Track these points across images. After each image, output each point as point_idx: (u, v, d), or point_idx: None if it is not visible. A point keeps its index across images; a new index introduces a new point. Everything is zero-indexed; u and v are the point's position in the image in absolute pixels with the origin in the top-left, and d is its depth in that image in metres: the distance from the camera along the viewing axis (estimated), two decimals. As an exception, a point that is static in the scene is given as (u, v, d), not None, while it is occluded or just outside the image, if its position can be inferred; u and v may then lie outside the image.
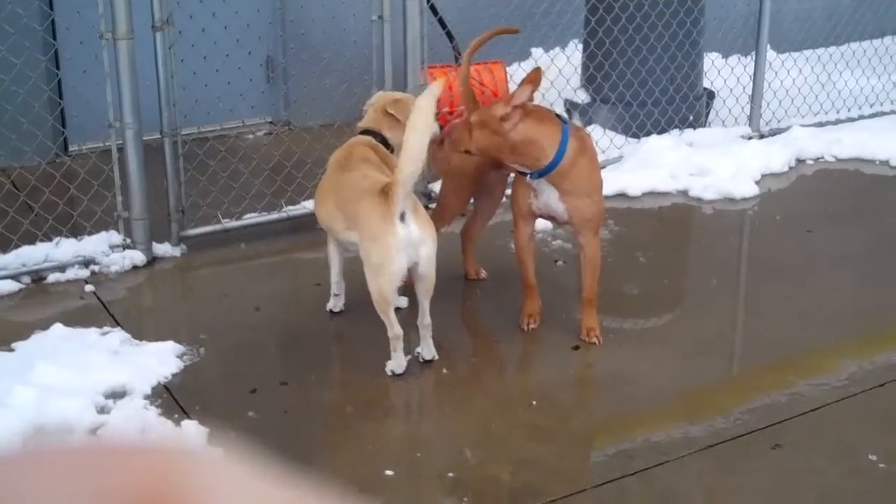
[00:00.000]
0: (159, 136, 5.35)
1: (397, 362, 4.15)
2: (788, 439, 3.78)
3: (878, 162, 7.02)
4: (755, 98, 7.34)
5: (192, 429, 3.73)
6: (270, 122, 7.41)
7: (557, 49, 7.87)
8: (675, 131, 7.08)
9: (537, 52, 7.81)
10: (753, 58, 7.38)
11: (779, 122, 7.50)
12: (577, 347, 4.44)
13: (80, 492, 0.44)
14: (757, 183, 6.51)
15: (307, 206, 5.66)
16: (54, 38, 5.69)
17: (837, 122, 7.74)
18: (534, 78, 4.09)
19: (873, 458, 3.71)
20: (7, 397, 3.81)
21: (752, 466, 3.64)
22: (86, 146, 6.43)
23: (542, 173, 4.17)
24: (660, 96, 7.09)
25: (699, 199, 6.30)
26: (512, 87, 7.13)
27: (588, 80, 7.33)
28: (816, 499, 3.51)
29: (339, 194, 4.29)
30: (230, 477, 0.47)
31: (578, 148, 4.17)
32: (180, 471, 0.46)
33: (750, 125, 7.36)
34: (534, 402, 4.05)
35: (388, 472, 3.60)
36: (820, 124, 7.59)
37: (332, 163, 4.48)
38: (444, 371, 4.27)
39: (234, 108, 6.79)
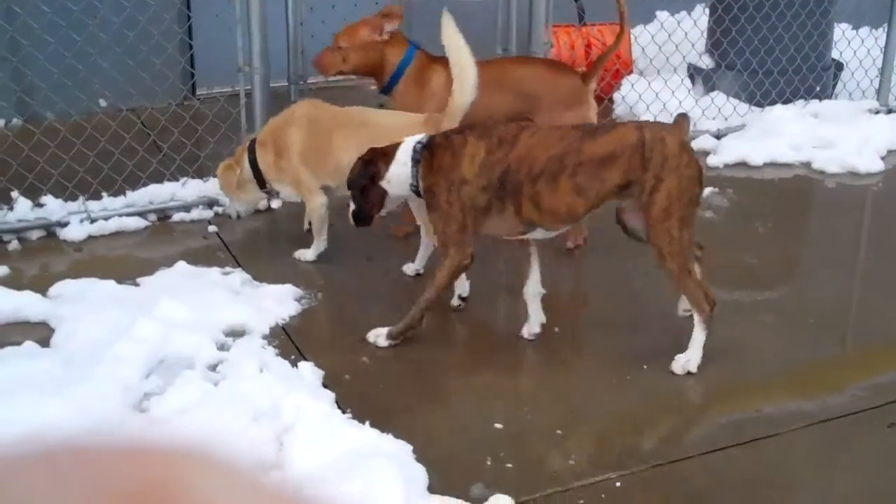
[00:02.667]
0: (286, 82, 5.44)
1: None
2: (903, 420, 3.74)
3: None
4: (885, 71, 7.17)
5: (307, 370, 3.83)
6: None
7: (683, 13, 7.77)
8: (800, 102, 6.96)
9: (662, 14, 7.73)
10: (885, 30, 7.20)
11: (907, 96, 7.32)
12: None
13: (78, 492, 0.45)
14: (883, 159, 6.37)
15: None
16: (188, -18, 5.81)
17: (971, 99, 7.52)
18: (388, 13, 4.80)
19: None
20: (132, 329, 3.95)
21: (865, 445, 3.61)
22: (214, 90, 6.57)
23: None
24: (786, 65, 6.97)
25: (822, 172, 6.19)
26: (636, 48, 7.08)
27: (714, 46, 7.24)
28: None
29: (364, 134, 4.34)
30: (224, 477, 0.48)
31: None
32: (176, 472, 0.46)
33: (878, 99, 7.20)
34: (645, 367, 4.05)
35: (498, 426, 3.66)
36: (951, 101, 7.38)
37: (296, 123, 4.69)
38: (556, 330, 4.31)
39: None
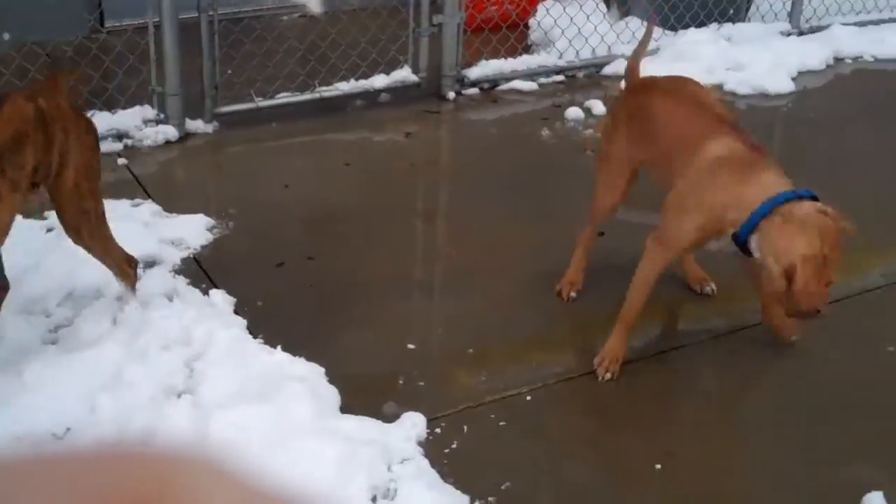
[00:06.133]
0: (196, 13, 5.35)
1: None
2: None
3: (918, 62, 6.93)
4: (797, -6, 7.23)
5: (219, 297, 3.81)
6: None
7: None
8: (714, 25, 6.99)
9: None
10: (797, -48, 7.25)
11: (819, 19, 7.38)
12: (601, 234, 4.46)
13: (74, 496, 0.44)
14: (793, 80, 6.44)
15: (340, 87, 5.68)
16: (91, -90, 5.67)
17: (879, 21, 7.60)
18: None
19: (891, 349, 3.76)
20: (41, 263, 3.90)
21: (769, 356, 3.70)
22: (124, 22, 6.43)
23: None
24: (700, -11, 6.99)
25: (734, 94, 6.25)
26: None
27: (627, -30, 7.23)
28: (838, 385, 3.56)
29: None
30: (221, 480, 0.47)
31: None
32: (173, 475, 0.46)
33: (790, 21, 7.26)
34: (556, 287, 4.09)
35: (410, 346, 3.68)
36: (861, 24, 7.45)
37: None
38: (454, 255, 4.33)
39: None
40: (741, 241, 3.21)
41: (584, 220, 4.01)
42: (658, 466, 3.16)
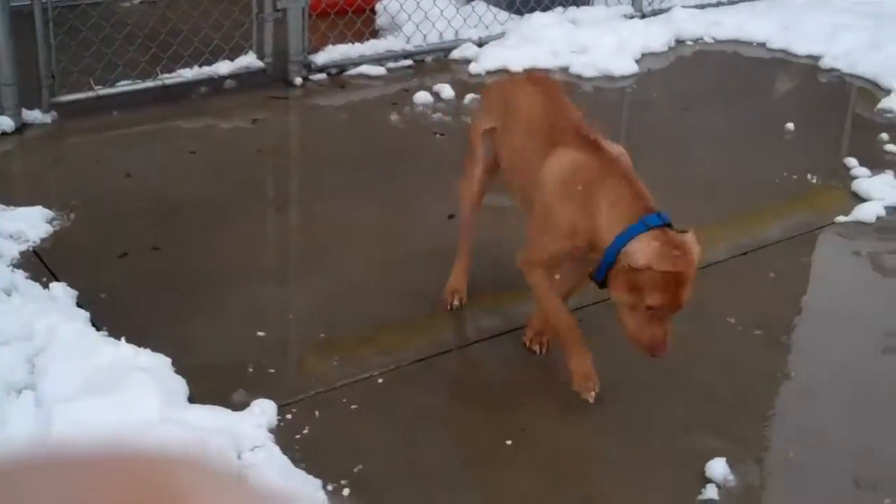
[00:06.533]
0: (28, 0, 5.16)
1: None
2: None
3: (755, 44, 7.14)
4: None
5: (60, 290, 3.69)
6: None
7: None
8: (559, 9, 7.08)
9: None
10: (638, -64, 7.39)
11: (661, 2, 7.55)
12: (451, 216, 4.48)
13: (73, 498, 0.44)
14: (637, 62, 6.57)
15: (184, 74, 5.57)
16: None
17: (718, 4, 7.82)
18: None
19: (731, 320, 3.87)
20: None
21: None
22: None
23: None
24: (544, -26, 7.07)
25: (579, 76, 6.34)
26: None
27: (473, -45, 7.26)
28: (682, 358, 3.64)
29: None
30: (217, 483, 0.47)
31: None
32: (170, 478, 0.46)
33: (632, 4, 7.40)
34: (409, 269, 4.08)
35: (260, 334, 3.63)
36: (701, 6, 7.65)
37: None
38: (304, 241, 4.29)
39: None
40: (599, 280, 3.12)
41: (442, 208, 4.01)
42: (509, 442, 3.18)
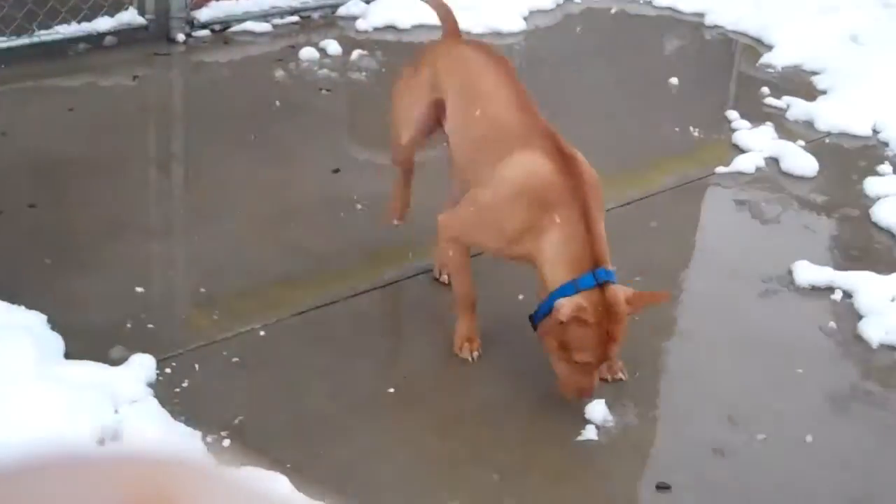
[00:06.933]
0: None
1: None
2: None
3: (641, 2, 7.19)
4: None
5: (-72, 250, 3.59)
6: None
7: None
8: (447, -34, 7.05)
9: None
10: None
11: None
12: (337, 170, 4.46)
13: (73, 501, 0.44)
14: (525, 19, 6.58)
15: (61, 30, 5.42)
16: None
17: (606, -38, 7.86)
18: None
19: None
20: None
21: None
22: None
23: None
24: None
25: (467, 33, 6.31)
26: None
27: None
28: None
29: None
30: (221, 485, 0.47)
31: None
32: (173, 480, 0.46)
33: (520, -37, 7.40)
34: (292, 224, 4.05)
35: (139, 290, 3.57)
36: (589, -36, 7.68)
37: None
38: (186, 197, 4.24)
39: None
40: (535, 324, 3.10)
41: (327, 162, 3.98)
42: (392, 390, 3.19)
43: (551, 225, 2.99)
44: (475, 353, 3.36)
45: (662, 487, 2.98)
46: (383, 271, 3.78)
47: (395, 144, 3.75)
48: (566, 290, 2.94)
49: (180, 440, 2.83)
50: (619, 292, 2.97)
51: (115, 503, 0.44)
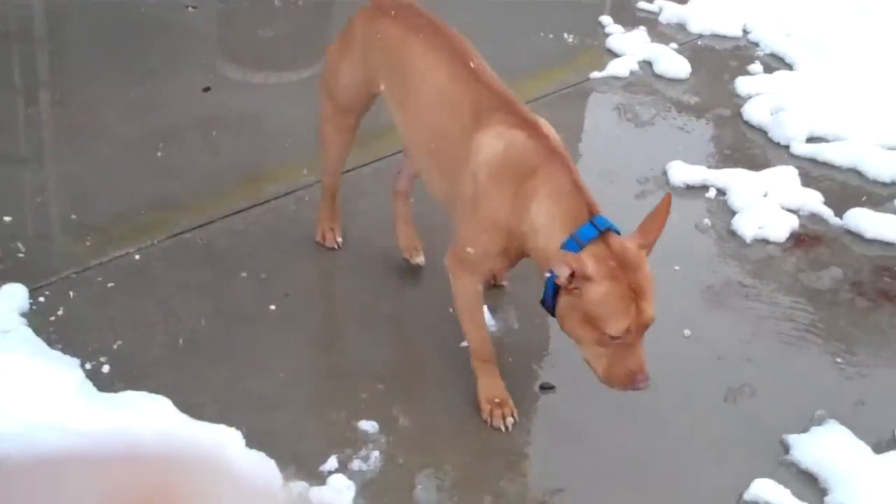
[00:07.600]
0: None
1: None
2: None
3: None
4: None
5: None
6: None
7: None
8: None
9: None
10: None
11: None
12: (207, 89, 4.36)
13: (80, 496, 0.44)
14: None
15: None
16: None
17: None
18: None
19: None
20: None
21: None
22: None
23: None
24: None
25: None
26: None
27: None
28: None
29: None
30: (226, 482, 0.47)
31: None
32: (178, 476, 0.46)
33: None
34: (164, 145, 3.96)
35: (7, 219, 3.46)
36: None
37: None
38: (50, 121, 4.11)
39: None
40: (549, 306, 2.65)
41: (196, 80, 3.88)
42: (273, 307, 3.17)
43: (537, 187, 2.64)
44: (510, 420, 2.87)
45: (546, 388, 3.03)
46: (261, 189, 3.72)
47: (330, 137, 3.33)
48: (568, 247, 2.56)
49: (58, 367, 2.77)
50: (626, 240, 2.57)
51: (125, 500, 0.45)
